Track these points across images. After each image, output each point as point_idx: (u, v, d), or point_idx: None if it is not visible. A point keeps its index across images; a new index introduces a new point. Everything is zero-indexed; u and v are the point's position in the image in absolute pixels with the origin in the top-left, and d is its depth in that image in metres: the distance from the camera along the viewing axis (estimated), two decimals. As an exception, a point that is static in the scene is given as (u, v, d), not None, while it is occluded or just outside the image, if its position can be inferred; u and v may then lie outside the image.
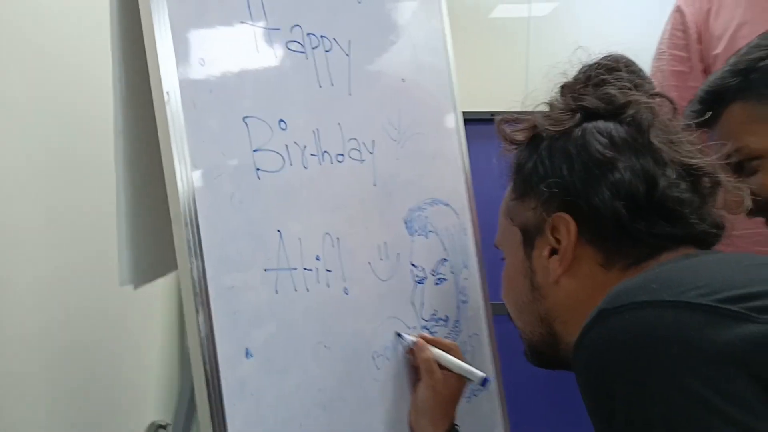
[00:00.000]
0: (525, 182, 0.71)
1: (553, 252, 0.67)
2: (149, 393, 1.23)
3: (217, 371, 0.61)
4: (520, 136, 0.73)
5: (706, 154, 0.66)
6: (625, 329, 0.50)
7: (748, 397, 0.44)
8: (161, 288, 1.28)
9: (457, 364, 0.85)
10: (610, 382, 0.49)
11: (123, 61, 0.64)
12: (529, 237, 0.70)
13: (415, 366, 0.87)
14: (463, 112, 1.16)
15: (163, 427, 0.95)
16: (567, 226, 0.65)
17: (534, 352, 0.75)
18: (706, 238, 0.65)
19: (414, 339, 0.87)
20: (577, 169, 0.65)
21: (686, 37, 1.21)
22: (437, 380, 0.84)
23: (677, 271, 0.57)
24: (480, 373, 0.85)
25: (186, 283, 0.61)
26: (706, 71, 1.19)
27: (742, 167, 0.82)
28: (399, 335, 0.87)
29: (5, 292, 0.81)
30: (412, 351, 0.87)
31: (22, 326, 0.85)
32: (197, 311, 0.61)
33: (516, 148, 0.74)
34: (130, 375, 1.15)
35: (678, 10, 1.24)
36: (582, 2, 1.94)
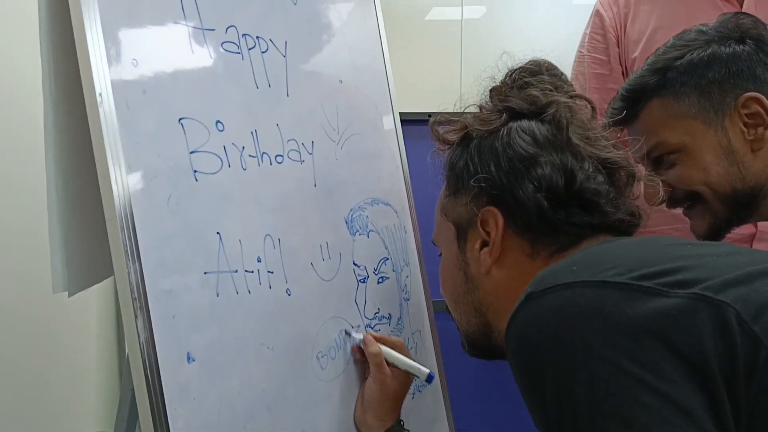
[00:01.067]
0: (457, 179, 0.75)
1: (484, 244, 0.71)
2: (88, 403, 1.19)
3: (159, 376, 0.60)
4: (452, 137, 0.77)
5: (621, 148, 0.71)
6: (549, 308, 0.53)
7: (665, 366, 0.47)
8: (97, 295, 1.24)
9: (403, 360, 0.87)
10: (540, 363, 0.52)
11: (53, 61, 0.62)
12: (462, 231, 0.74)
13: (362, 362, 0.89)
14: (401, 113, 1.18)
15: (103, 438, 0.92)
16: (495, 218, 0.69)
17: (470, 343, 0.78)
18: (621, 226, 0.70)
19: (362, 336, 0.89)
20: (503, 166, 0.69)
21: (605, 41, 1.26)
22: (386, 375, 0.85)
23: (596, 254, 0.61)
24: (425, 370, 0.87)
25: (123, 287, 0.59)
26: (625, 74, 1.24)
27: (661, 161, 0.87)
28: (347, 333, 0.88)
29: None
30: (359, 348, 0.88)
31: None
32: (136, 316, 0.59)
33: (449, 148, 0.77)
34: (67, 385, 1.11)
35: (597, 15, 1.28)
36: (510, 6, 2.00)
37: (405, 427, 0.88)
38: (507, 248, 0.69)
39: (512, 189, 0.68)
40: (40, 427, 1.03)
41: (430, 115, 1.74)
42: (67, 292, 0.70)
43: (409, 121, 1.65)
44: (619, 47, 1.25)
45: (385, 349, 0.87)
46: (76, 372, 1.15)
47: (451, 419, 1.12)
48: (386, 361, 0.86)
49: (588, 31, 1.29)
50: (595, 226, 0.68)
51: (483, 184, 0.70)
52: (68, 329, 1.12)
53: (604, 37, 1.25)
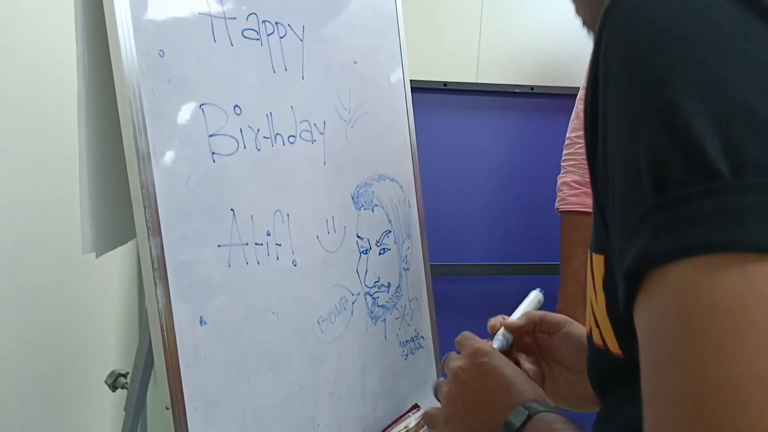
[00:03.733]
0: None
1: None
2: (111, 345, 1.30)
3: (174, 337, 0.69)
4: None
5: None
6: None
7: None
8: (120, 254, 1.34)
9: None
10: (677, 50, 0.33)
11: (87, 51, 0.68)
12: None
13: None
14: (414, 81, 1.22)
15: (124, 375, 1.02)
16: None
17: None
18: None
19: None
20: None
21: None
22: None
23: None
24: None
25: (145, 259, 0.67)
26: None
27: None
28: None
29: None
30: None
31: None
32: (155, 285, 0.67)
33: None
34: (94, 329, 1.22)
35: None
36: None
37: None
38: None
39: None
40: (74, 362, 1.15)
41: (444, 84, 1.78)
42: (95, 253, 0.78)
43: (421, 89, 1.70)
44: None
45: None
46: (102, 321, 1.26)
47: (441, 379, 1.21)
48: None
49: None
50: None
51: None
52: (94, 286, 1.22)
53: None
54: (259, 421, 0.79)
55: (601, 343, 0.45)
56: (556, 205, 1.41)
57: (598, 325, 0.45)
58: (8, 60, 0.93)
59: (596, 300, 0.44)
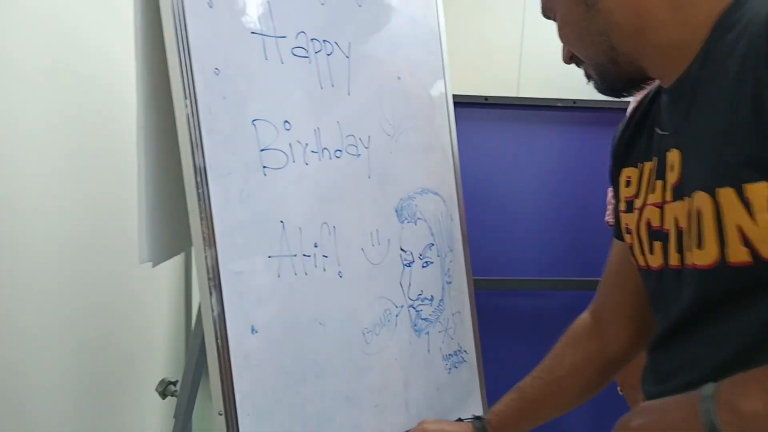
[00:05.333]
0: None
1: None
2: (160, 354, 1.34)
3: (227, 345, 0.71)
4: None
5: None
6: None
7: None
8: (168, 267, 1.38)
9: None
10: None
11: (146, 69, 0.71)
12: None
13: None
14: (455, 95, 1.23)
15: (173, 383, 1.05)
16: None
17: (601, 75, 0.76)
18: None
19: None
20: None
21: None
22: None
23: None
24: None
25: (201, 269, 0.70)
26: None
27: None
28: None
29: (39, 265, 0.91)
30: None
31: (48, 290, 0.95)
32: (210, 294, 0.70)
33: None
34: (144, 339, 1.26)
35: None
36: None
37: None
38: None
39: None
40: (124, 370, 1.18)
41: (486, 98, 1.79)
42: (151, 263, 0.81)
43: (462, 103, 1.71)
44: None
45: None
46: (151, 331, 1.30)
47: (485, 395, 1.21)
48: None
49: None
50: None
51: None
52: (146, 294, 1.26)
53: None
54: (306, 429, 0.81)
55: (750, 260, 0.57)
56: (606, 218, 1.40)
57: (749, 245, 0.56)
58: (72, 79, 0.98)
59: (754, 222, 0.56)
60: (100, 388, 1.14)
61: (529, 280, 1.78)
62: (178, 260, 1.41)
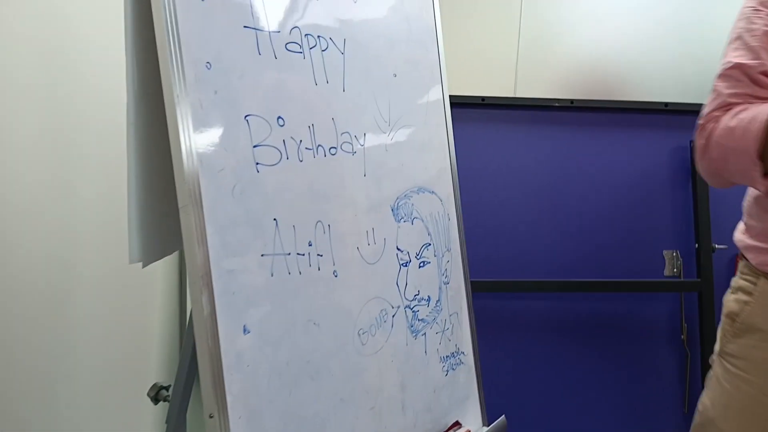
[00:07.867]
0: None
1: None
2: (154, 359, 1.32)
3: (218, 345, 0.69)
4: None
5: None
6: None
7: None
8: (161, 268, 1.36)
9: None
10: None
11: (136, 64, 0.70)
12: None
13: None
14: (452, 96, 1.22)
15: (165, 388, 1.03)
16: None
17: None
18: None
19: None
20: None
21: None
22: None
23: None
24: None
25: (192, 267, 0.68)
26: None
27: None
28: None
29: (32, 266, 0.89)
30: None
31: (39, 291, 0.93)
32: (201, 292, 0.68)
33: None
34: (137, 343, 1.24)
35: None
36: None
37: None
38: None
39: None
40: (118, 375, 1.16)
41: (483, 99, 1.77)
42: (141, 263, 0.79)
43: (460, 104, 1.70)
44: None
45: None
46: (143, 336, 1.28)
47: (483, 397, 1.19)
48: None
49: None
50: None
51: None
52: (136, 295, 1.24)
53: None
54: (301, 433, 0.79)
55: None
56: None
57: None
58: (60, 73, 0.96)
59: None
60: (92, 393, 1.12)
61: (525, 282, 1.76)
62: (172, 262, 1.39)
